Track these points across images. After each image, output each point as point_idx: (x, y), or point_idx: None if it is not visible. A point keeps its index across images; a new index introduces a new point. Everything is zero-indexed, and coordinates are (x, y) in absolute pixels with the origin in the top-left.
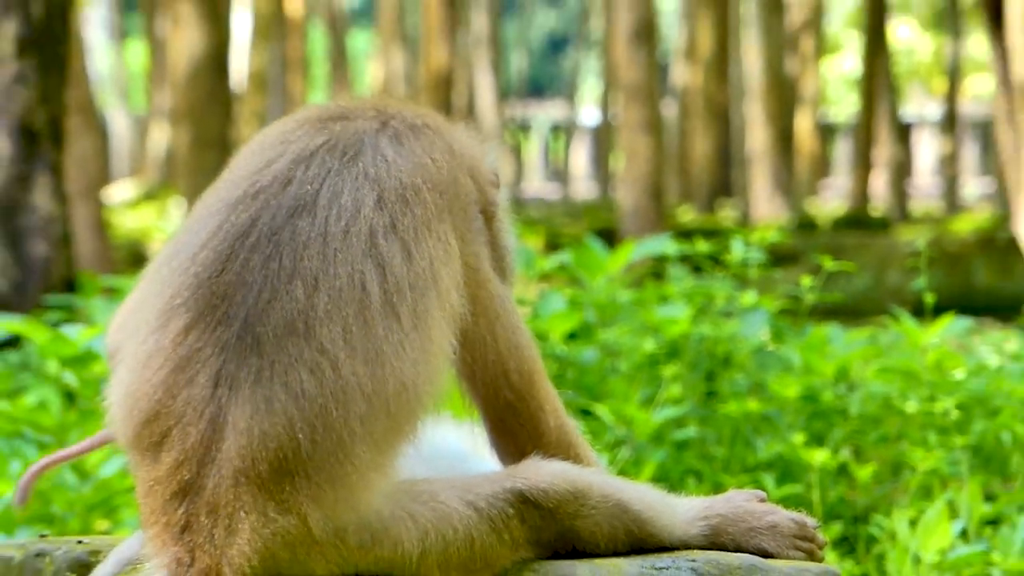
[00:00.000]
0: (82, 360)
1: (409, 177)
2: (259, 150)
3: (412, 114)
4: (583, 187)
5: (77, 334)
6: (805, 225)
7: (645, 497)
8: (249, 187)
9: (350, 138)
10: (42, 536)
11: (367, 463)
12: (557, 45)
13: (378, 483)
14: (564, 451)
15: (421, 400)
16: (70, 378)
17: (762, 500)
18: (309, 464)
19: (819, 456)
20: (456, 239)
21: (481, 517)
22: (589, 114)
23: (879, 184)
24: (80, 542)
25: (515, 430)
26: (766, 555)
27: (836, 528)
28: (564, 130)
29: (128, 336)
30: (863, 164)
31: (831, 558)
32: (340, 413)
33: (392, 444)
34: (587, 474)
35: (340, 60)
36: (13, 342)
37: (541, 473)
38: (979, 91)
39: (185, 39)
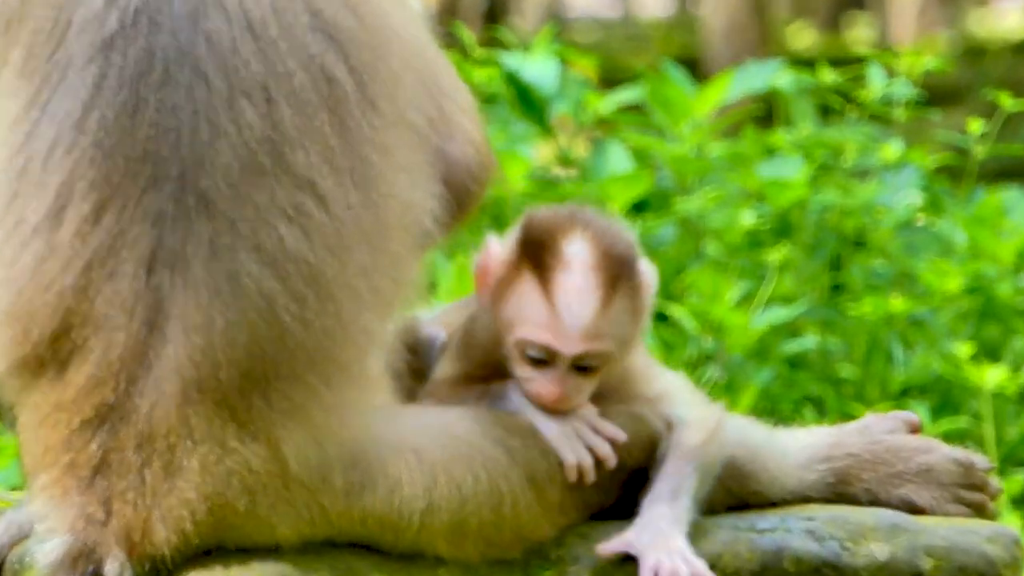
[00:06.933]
0: None
1: None
2: None
3: None
4: (651, 1)
5: None
6: (972, 51)
7: (746, 438)
8: (116, 21)
9: None
10: None
11: (372, 340)
12: None
13: (378, 387)
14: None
15: (423, 226)
16: None
17: (915, 431)
18: (295, 360)
19: (993, 375)
20: None
21: (514, 461)
22: None
23: None
24: None
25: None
26: (915, 510)
27: (1019, 478)
28: None
29: None
30: None
31: (1009, 517)
32: (338, 268)
33: (396, 302)
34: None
35: None
36: None
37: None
38: None
39: None
